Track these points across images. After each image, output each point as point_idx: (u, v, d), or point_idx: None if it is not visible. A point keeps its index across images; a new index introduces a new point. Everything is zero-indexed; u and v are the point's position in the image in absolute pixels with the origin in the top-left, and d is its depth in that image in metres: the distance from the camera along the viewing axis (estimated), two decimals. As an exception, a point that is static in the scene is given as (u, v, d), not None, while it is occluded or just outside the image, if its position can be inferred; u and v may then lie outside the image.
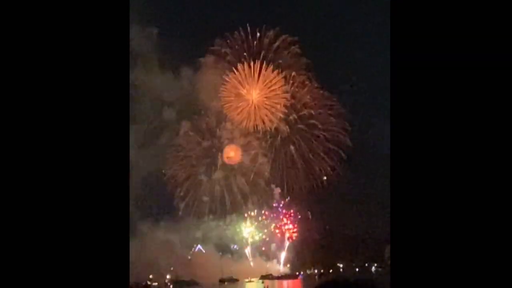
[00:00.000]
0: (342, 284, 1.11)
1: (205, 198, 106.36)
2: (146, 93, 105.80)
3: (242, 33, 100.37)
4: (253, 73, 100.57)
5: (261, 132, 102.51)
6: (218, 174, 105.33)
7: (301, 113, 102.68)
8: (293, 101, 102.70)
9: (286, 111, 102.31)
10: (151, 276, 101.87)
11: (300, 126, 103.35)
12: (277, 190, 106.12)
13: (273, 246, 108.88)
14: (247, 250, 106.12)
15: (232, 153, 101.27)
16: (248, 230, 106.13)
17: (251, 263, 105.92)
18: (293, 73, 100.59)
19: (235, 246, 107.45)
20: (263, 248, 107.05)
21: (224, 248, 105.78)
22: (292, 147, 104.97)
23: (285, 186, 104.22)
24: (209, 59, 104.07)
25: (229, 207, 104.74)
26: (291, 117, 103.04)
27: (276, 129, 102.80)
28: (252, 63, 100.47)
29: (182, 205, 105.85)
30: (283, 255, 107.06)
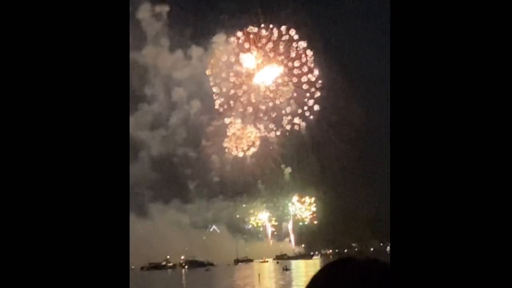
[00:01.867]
0: (353, 262, 1.20)
1: (216, 179, 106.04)
2: (156, 73, 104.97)
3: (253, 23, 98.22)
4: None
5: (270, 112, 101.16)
6: (228, 155, 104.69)
7: (311, 93, 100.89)
8: (301, 81, 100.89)
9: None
10: (168, 257, 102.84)
11: (311, 105, 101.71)
12: (288, 170, 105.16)
13: (285, 225, 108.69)
14: (268, 230, 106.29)
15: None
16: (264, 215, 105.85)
17: (270, 243, 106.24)
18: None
19: (249, 226, 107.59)
20: (274, 230, 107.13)
21: (236, 229, 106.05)
22: (302, 127, 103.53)
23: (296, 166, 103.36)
24: (220, 38, 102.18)
25: (240, 187, 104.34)
26: (301, 98, 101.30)
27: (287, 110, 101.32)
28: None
29: (192, 186, 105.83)
30: (292, 236, 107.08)
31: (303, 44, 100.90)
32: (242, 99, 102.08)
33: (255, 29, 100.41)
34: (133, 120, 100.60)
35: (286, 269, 71.07)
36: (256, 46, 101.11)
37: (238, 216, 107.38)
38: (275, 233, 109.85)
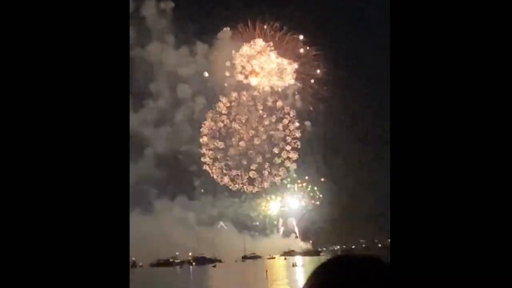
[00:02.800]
0: (348, 260, 1.22)
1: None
2: (161, 69, 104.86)
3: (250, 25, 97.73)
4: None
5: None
6: (233, 151, 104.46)
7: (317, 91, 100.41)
8: (305, 76, 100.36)
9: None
10: (177, 253, 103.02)
11: (315, 102, 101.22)
12: (293, 167, 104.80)
13: (290, 221, 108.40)
14: (281, 226, 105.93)
15: None
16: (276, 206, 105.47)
17: (281, 233, 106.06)
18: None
19: (257, 223, 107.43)
20: (281, 225, 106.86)
21: (242, 225, 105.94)
22: (307, 123, 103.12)
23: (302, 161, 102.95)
24: (225, 34, 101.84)
25: (245, 184, 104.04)
26: (305, 93, 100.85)
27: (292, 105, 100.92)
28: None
29: (198, 183, 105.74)
30: (299, 231, 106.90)
31: (306, 40, 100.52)
32: (246, 97, 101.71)
33: (262, 24, 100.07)
34: (138, 117, 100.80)
35: (295, 265, 71.06)
36: (260, 36, 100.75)
37: (243, 212, 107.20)
38: (282, 229, 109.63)
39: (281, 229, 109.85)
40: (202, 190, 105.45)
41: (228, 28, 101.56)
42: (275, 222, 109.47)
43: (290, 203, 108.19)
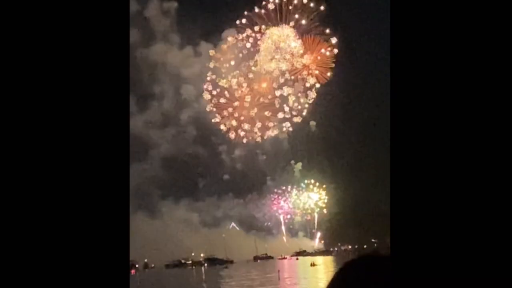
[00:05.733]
0: (376, 259, 1.43)
1: (226, 177, 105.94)
2: (165, 70, 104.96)
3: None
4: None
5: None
6: (238, 152, 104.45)
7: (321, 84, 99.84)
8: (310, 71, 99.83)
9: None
10: (193, 254, 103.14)
11: (320, 101, 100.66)
12: (298, 166, 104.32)
13: (297, 220, 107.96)
14: (283, 227, 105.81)
15: None
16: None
17: (291, 239, 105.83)
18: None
19: (269, 223, 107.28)
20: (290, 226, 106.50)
21: (249, 226, 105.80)
22: (312, 123, 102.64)
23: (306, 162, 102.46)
24: (230, 33, 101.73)
25: (249, 185, 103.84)
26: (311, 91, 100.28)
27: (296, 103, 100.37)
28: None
29: (202, 184, 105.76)
30: (315, 231, 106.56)
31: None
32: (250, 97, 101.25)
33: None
34: (143, 119, 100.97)
35: (313, 264, 69.43)
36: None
37: (248, 213, 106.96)
38: (284, 229, 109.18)
39: (284, 229, 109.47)
40: (206, 191, 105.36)
41: (233, 29, 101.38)
42: (286, 221, 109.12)
43: (295, 203, 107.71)
